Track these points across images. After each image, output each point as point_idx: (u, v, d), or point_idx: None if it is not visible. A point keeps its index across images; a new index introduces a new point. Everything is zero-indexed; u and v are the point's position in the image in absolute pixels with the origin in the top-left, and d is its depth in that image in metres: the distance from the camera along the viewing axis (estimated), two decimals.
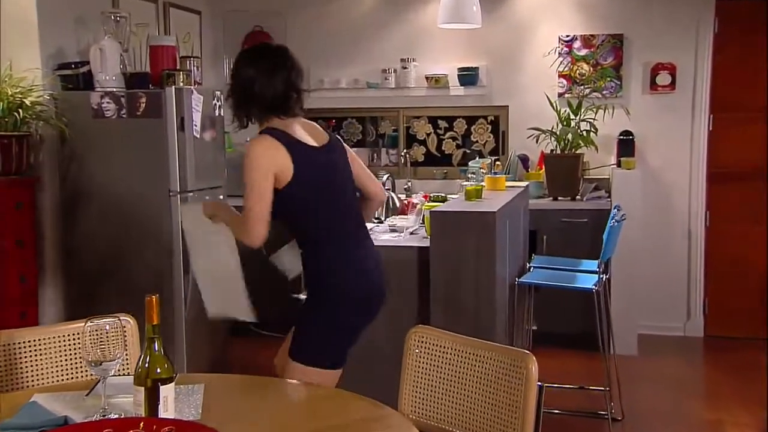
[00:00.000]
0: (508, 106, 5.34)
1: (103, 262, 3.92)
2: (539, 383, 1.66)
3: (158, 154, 3.85)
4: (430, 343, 1.87)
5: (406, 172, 5.49)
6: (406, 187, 5.36)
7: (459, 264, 2.84)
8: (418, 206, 3.21)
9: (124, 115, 3.84)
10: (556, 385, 3.92)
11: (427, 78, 5.33)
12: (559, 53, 5.15)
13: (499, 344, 1.78)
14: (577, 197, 4.88)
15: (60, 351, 2.06)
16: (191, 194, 3.93)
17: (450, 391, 1.78)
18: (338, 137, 2.36)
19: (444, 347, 1.84)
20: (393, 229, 3.36)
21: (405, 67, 5.34)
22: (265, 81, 2.17)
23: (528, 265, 3.80)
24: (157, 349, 1.64)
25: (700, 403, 3.87)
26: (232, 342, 4.35)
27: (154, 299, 1.65)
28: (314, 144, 2.22)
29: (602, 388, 3.58)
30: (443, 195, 3.65)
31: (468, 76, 5.26)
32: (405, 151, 5.52)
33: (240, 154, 5.22)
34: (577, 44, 5.16)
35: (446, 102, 5.40)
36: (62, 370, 2.05)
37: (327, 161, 2.20)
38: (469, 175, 4.27)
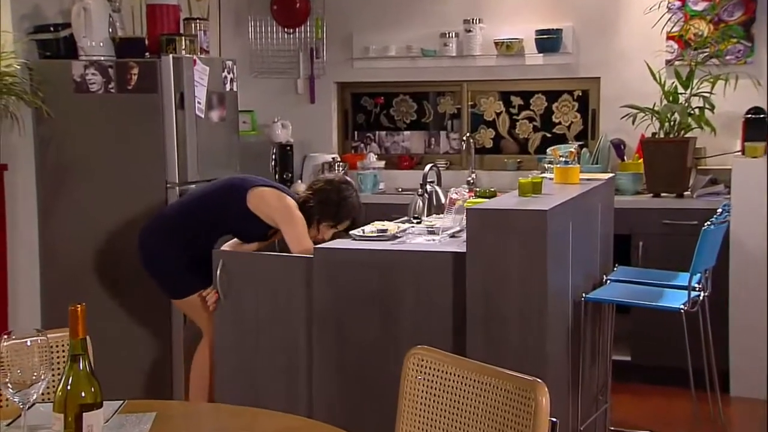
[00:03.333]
0: (599, 78, 5.25)
1: (86, 263, 4.04)
2: (552, 419, 1.65)
3: (153, 138, 3.94)
4: (430, 367, 1.90)
5: (469, 161, 5.45)
6: (469, 179, 5.32)
7: (501, 274, 2.81)
8: (458, 203, 3.17)
9: (112, 90, 3.94)
10: None
11: (496, 44, 5.28)
12: (667, 8, 5.02)
13: (506, 370, 1.76)
14: (686, 194, 4.76)
15: None
16: (193, 186, 4.00)
17: (451, 422, 1.82)
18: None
19: (445, 372, 1.87)
20: (431, 231, 3.35)
21: (469, 31, 5.32)
22: None
23: (605, 278, 3.72)
24: (82, 368, 1.64)
25: None
26: None
27: (79, 309, 1.67)
28: None
29: None
30: (492, 189, 3.59)
31: (548, 41, 5.20)
32: (469, 134, 5.49)
33: (266, 137, 5.33)
34: None
35: (521, 73, 5.35)
36: None
37: None
38: (547, 165, 4.19)
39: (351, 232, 3.30)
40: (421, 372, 1.88)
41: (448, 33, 5.35)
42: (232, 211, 3.53)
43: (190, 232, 3.57)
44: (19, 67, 3.83)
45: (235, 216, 3.53)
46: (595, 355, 3.64)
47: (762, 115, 4.81)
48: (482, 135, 5.58)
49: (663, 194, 4.76)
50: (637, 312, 4.45)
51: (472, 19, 5.30)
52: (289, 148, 5.40)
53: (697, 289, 3.52)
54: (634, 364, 4.62)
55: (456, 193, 3.27)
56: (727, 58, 4.92)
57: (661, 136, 4.79)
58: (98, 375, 1.66)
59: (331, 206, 3.52)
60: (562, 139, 5.34)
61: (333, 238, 3.46)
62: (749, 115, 4.82)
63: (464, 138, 5.47)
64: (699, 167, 4.89)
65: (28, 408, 1.73)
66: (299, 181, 5.33)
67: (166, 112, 3.91)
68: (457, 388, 1.83)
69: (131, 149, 3.97)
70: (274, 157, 5.35)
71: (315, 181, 3.69)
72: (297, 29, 5.61)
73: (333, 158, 5.47)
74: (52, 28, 4.01)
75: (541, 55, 5.22)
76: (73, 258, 4.05)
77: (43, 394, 1.75)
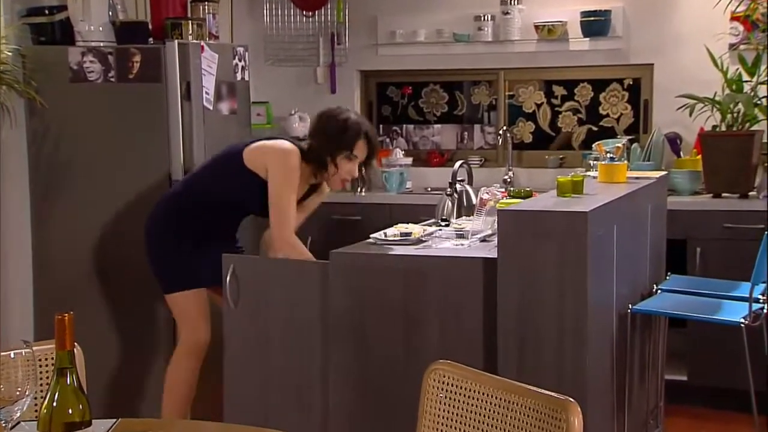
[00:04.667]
0: (652, 65, 5.22)
1: (84, 268, 4.09)
2: None
3: (156, 131, 3.99)
4: (452, 384, 1.91)
5: (506, 158, 5.44)
6: (506, 178, 5.30)
7: (537, 283, 2.79)
8: (490, 204, 3.17)
9: (112, 78, 3.98)
10: None
11: (537, 27, 5.27)
12: None
13: (534, 388, 1.76)
14: (750, 194, 4.72)
15: None
16: None
17: None
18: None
19: (469, 389, 1.88)
20: (460, 235, 3.35)
21: (507, 13, 5.30)
22: None
23: (655, 287, 3.70)
24: (69, 383, 1.66)
25: None
26: None
27: (66, 318, 1.67)
28: None
29: None
30: (528, 189, 3.59)
31: (596, 24, 5.17)
32: (506, 128, 5.47)
33: (283, 130, 5.34)
34: None
35: (564, 60, 5.33)
36: None
37: None
38: (592, 162, 4.17)
39: (372, 235, 3.30)
40: (442, 389, 1.89)
41: (484, 15, 5.33)
42: (232, 176, 3.52)
43: (191, 213, 3.58)
44: (10, 53, 3.88)
45: (236, 183, 3.51)
46: (645, 374, 3.62)
47: None
48: (521, 128, 5.57)
49: (724, 195, 4.72)
50: (693, 326, 4.42)
51: (510, 0, 5.27)
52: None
53: (761, 300, 3.47)
54: (691, 384, 4.58)
55: (487, 193, 3.27)
56: None
57: (723, 129, 4.74)
58: (90, 391, 1.67)
59: (335, 133, 3.51)
60: (610, 133, 5.30)
61: (361, 171, 3.57)
62: None
63: (501, 132, 5.43)
64: (766, 164, 4.82)
65: (12, 427, 1.75)
66: None
67: (170, 103, 3.95)
68: (481, 407, 1.83)
69: (132, 144, 4.01)
70: None
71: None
72: (316, 12, 5.62)
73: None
74: (46, 11, 4.07)
75: (587, 39, 5.20)
76: (69, 263, 4.10)
77: (28, 411, 1.77)
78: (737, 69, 4.80)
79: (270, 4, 5.67)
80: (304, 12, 5.64)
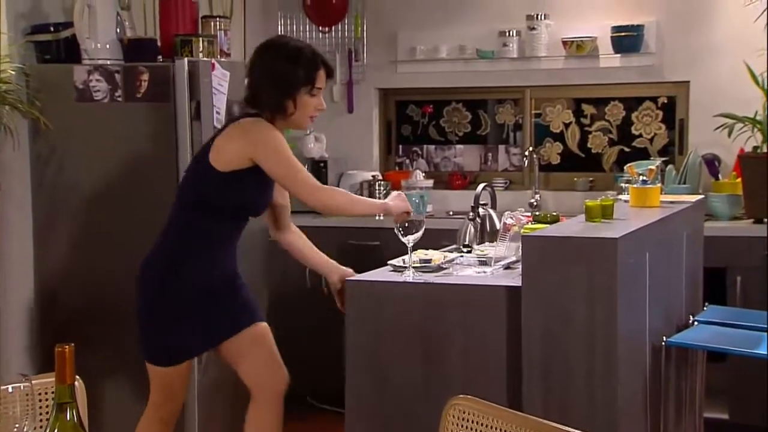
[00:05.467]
0: (688, 82, 5.24)
1: (89, 297, 4.09)
2: None
3: (166, 153, 3.99)
4: (472, 420, 1.89)
5: (533, 180, 5.45)
6: (532, 201, 5.30)
7: (564, 313, 2.79)
8: (514, 229, 3.19)
9: (119, 98, 4.00)
10: None
11: (565, 43, 5.30)
12: None
13: (561, 426, 1.74)
14: None
15: None
16: None
17: None
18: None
19: (490, 426, 1.86)
20: (482, 261, 3.36)
21: (533, 28, 5.33)
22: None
23: (692, 319, 3.68)
24: (69, 419, 1.67)
25: None
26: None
27: (67, 350, 1.68)
28: None
29: None
30: (555, 213, 3.60)
31: (627, 39, 5.20)
32: (532, 149, 5.49)
33: (297, 151, 5.34)
34: None
35: (595, 77, 5.36)
36: None
37: None
38: (624, 185, 4.17)
39: (390, 262, 3.31)
40: (462, 425, 1.87)
41: (509, 31, 5.37)
42: (205, 183, 3.22)
43: (177, 244, 3.28)
44: (14, 72, 3.91)
45: (211, 190, 3.20)
46: (682, 412, 3.60)
47: None
48: (548, 149, 5.59)
49: (766, 220, 4.69)
50: (735, 361, 4.39)
51: (537, 15, 5.32)
52: (323, 164, 5.45)
53: None
54: (732, 423, 4.55)
55: (511, 218, 3.28)
56: None
57: (764, 150, 4.73)
58: (91, 427, 1.67)
59: (281, 66, 3.20)
60: (643, 155, 5.32)
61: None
62: None
63: (526, 153, 5.46)
64: None
65: None
66: None
67: (180, 123, 3.96)
68: None
69: (140, 166, 4.03)
70: None
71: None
72: (333, 28, 5.68)
73: (373, 176, 5.50)
74: (51, 28, 4.09)
75: (619, 55, 5.22)
76: (72, 291, 4.11)
77: None
78: None
79: (284, 19, 5.72)
80: (320, 27, 5.70)
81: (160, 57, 4.14)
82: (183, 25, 4.22)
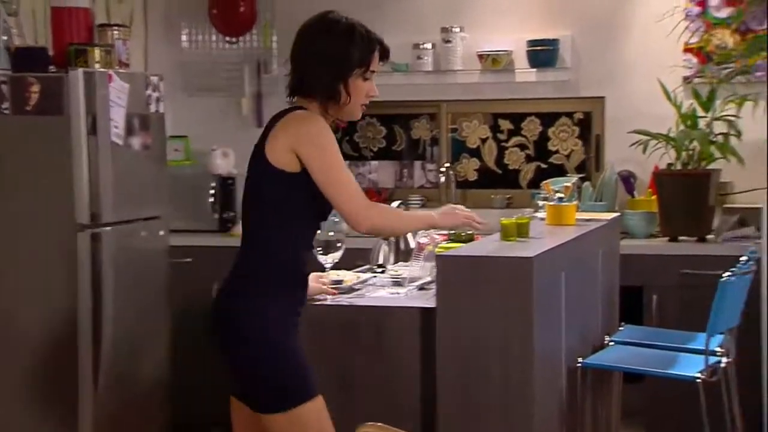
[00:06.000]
0: (603, 98, 5.28)
1: None
2: None
3: (59, 170, 3.89)
4: None
5: (449, 196, 5.43)
6: None
7: (479, 334, 2.84)
8: (428, 248, 3.21)
9: (6, 111, 3.88)
10: None
11: (481, 57, 5.29)
12: (685, 15, 5.04)
13: None
14: (709, 237, 4.75)
15: None
16: (108, 228, 3.96)
17: None
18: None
19: None
20: (396, 282, 3.36)
21: (448, 41, 5.31)
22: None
23: (607, 339, 3.74)
24: None
25: None
26: None
27: None
28: None
29: None
30: (469, 233, 3.55)
31: (543, 54, 5.22)
32: (448, 165, 5.47)
33: (203, 168, 5.22)
34: (714, 0, 5.02)
35: (510, 92, 5.37)
36: None
37: None
38: (541, 202, 4.16)
39: None
40: None
41: (423, 43, 5.34)
42: (269, 188, 2.80)
43: (262, 262, 2.80)
44: None
45: (277, 195, 2.79)
46: None
47: None
48: (465, 165, 5.56)
49: (681, 238, 4.75)
50: (651, 381, 4.41)
51: (452, 27, 5.30)
52: (231, 181, 5.32)
53: (718, 353, 3.48)
54: None
55: (426, 237, 3.29)
56: (756, 74, 4.91)
57: (678, 167, 4.77)
58: None
59: (333, 46, 2.79)
60: (560, 171, 5.32)
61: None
62: None
63: (443, 169, 5.45)
64: (724, 205, 4.89)
65: None
66: None
67: (74, 138, 3.87)
68: None
69: (31, 185, 3.91)
70: (213, 191, 5.26)
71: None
72: (241, 38, 5.56)
73: None
74: None
75: (534, 70, 5.24)
76: None
77: None
78: (691, 104, 4.86)
79: (189, 29, 5.59)
80: (227, 38, 5.58)
81: (52, 67, 4.03)
82: (77, 33, 4.15)
